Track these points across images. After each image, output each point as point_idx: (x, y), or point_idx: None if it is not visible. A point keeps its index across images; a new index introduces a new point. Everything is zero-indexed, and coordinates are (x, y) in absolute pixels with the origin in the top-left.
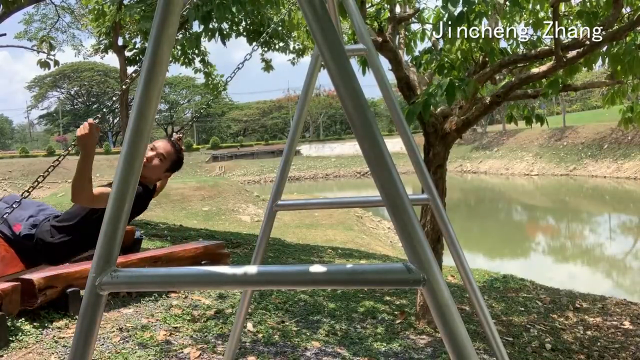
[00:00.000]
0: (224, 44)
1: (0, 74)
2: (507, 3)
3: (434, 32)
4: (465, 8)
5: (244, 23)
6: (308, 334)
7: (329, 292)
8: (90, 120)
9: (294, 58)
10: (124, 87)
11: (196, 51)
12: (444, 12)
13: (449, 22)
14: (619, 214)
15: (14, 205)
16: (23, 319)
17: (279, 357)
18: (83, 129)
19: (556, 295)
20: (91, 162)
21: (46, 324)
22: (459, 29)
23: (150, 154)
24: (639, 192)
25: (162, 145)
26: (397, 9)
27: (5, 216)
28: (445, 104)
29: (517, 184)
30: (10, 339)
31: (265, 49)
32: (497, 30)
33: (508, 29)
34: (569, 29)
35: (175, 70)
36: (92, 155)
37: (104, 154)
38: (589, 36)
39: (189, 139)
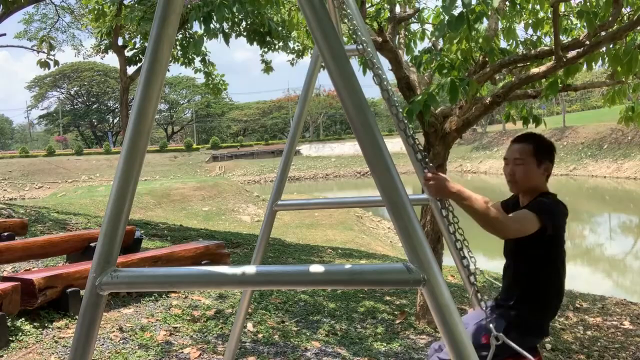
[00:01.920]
0: (227, 43)
1: (0, 74)
2: (507, 4)
3: (436, 32)
4: (465, 10)
5: (244, 23)
6: (308, 334)
7: (329, 292)
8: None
9: (293, 59)
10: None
11: (197, 52)
12: (443, 12)
13: (450, 24)
14: (619, 214)
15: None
16: (23, 319)
17: (279, 357)
18: (430, 182)
19: None
20: (469, 194)
21: (46, 324)
22: (462, 28)
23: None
24: (639, 192)
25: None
26: (397, 9)
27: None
28: (445, 104)
29: None
30: (10, 339)
31: (265, 50)
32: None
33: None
34: (569, 29)
35: (176, 70)
36: (462, 190)
37: (104, 154)
38: (588, 36)
39: (189, 139)
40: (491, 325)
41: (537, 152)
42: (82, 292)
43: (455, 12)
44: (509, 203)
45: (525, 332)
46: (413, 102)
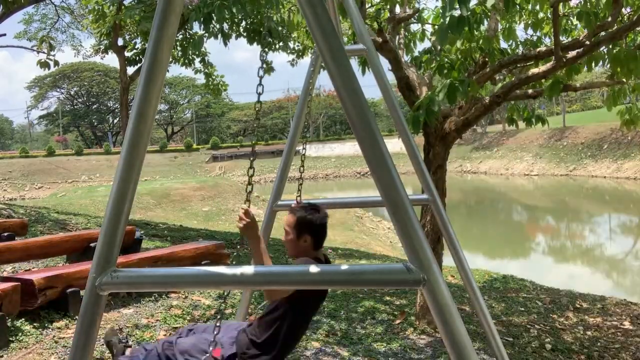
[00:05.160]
0: (226, 44)
1: (0, 74)
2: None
3: (438, 36)
4: (465, 12)
5: (244, 23)
6: (308, 334)
7: (329, 292)
8: (244, 206)
9: (293, 59)
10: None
11: (196, 52)
12: (443, 13)
13: (451, 26)
14: (619, 214)
15: (214, 331)
16: (23, 319)
17: None
18: (240, 221)
19: (556, 295)
20: (263, 249)
21: (46, 324)
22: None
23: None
24: (639, 192)
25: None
26: (397, 9)
27: (211, 347)
28: (445, 104)
29: (517, 184)
30: (10, 339)
31: (266, 50)
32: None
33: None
34: (569, 29)
35: (176, 70)
36: (260, 242)
37: (104, 154)
38: (588, 36)
39: (189, 139)
40: None
41: (297, 225)
42: (82, 292)
43: (455, 14)
44: None
45: None
46: (416, 109)
